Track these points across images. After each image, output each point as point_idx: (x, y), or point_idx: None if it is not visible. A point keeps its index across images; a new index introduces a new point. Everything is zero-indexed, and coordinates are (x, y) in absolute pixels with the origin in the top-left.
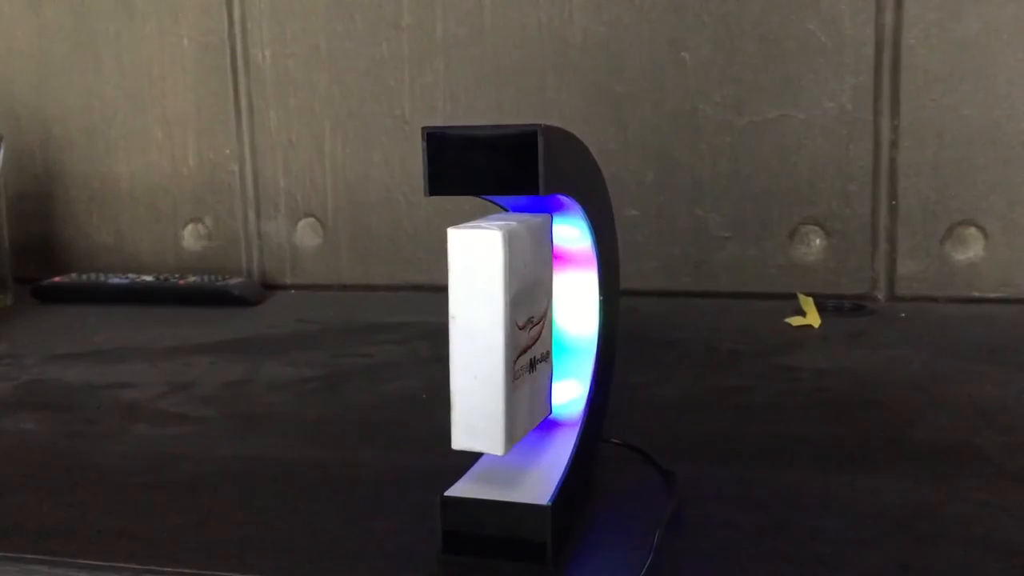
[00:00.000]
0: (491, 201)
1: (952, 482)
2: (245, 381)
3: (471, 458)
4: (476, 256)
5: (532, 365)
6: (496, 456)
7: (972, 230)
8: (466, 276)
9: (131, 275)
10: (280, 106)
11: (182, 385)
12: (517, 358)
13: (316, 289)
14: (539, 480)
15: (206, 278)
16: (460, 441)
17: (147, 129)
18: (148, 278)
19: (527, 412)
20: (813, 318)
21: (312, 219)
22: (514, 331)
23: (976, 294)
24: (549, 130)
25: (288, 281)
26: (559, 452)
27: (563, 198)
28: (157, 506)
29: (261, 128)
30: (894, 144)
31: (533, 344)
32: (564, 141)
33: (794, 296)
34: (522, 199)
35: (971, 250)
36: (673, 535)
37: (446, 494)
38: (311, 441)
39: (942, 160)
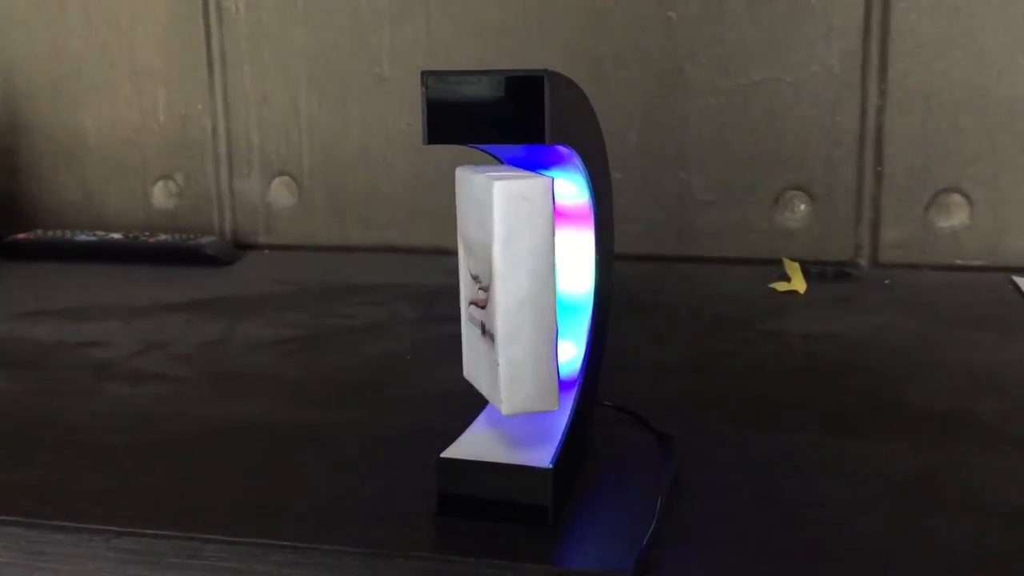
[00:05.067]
0: (487, 152)
1: (952, 447)
2: (222, 341)
3: (461, 420)
4: (524, 208)
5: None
6: (492, 418)
7: (957, 197)
8: (516, 230)
9: (99, 232)
10: (254, 60)
11: (157, 344)
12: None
13: (290, 249)
14: (538, 442)
15: (177, 237)
16: (514, 403)
17: (115, 82)
18: (117, 236)
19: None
20: (799, 283)
21: (287, 178)
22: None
23: (959, 262)
24: (555, 76)
25: (262, 241)
26: (555, 413)
27: (564, 150)
28: (136, 467)
29: (234, 83)
30: (881, 109)
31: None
32: (568, 89)
33: (778, 262)
34: (520, 151)
35: (955, 218)
36: (673, 499)
37: (443, 455)
38: (295, 402)
39: (929, 126)
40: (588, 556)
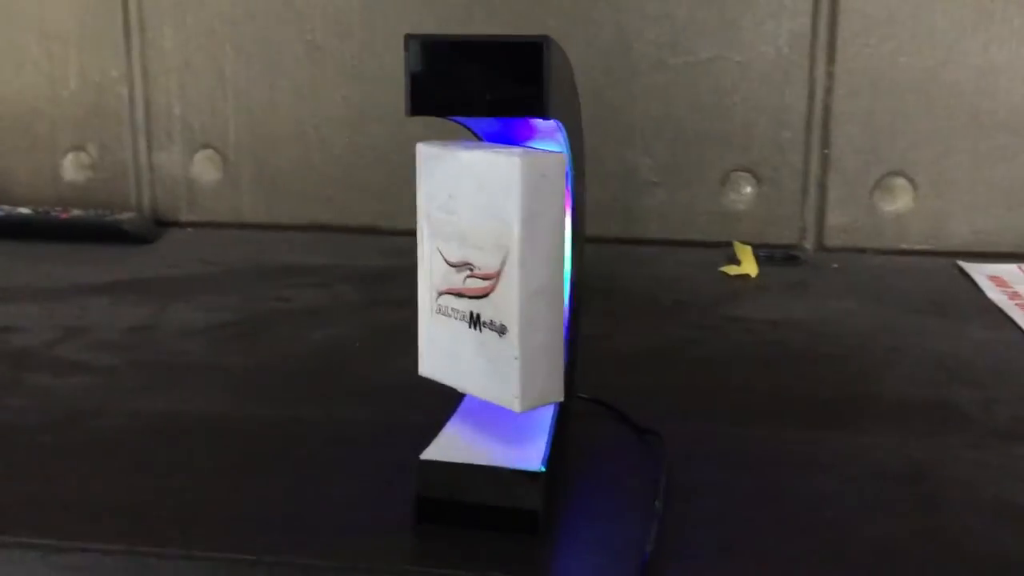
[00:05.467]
0: (462, 124)
1: (939, 440)
2: (151, 326)
3: (427, 415)
4: (545, 187)
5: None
6: (469, 414)
7: (901, 181)
8: (536, 210)
9: (5, 207)
10: (176, 24)
11: (79, 329)
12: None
13: (215, 227)
14: (522, 441)
15: (92, 212)
16: (530, 399)
17: (22, 45)
18: (25, 210)
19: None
20: (750, 267)
21: (211, 151)
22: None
23: (903, 246)
24: (552, 43)
25: (184, 218)
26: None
27: (546, 125)
28: (70, 470)
29: (154, 48)
30: (829, 91)
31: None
32: (561, 57)
33: (724, 244)
34: (495, 124)
35: (899, 201)
36: (667, 500)
37: (423, 457)
38: (240, 394)
39: (876, 109)
40: (584, 566)
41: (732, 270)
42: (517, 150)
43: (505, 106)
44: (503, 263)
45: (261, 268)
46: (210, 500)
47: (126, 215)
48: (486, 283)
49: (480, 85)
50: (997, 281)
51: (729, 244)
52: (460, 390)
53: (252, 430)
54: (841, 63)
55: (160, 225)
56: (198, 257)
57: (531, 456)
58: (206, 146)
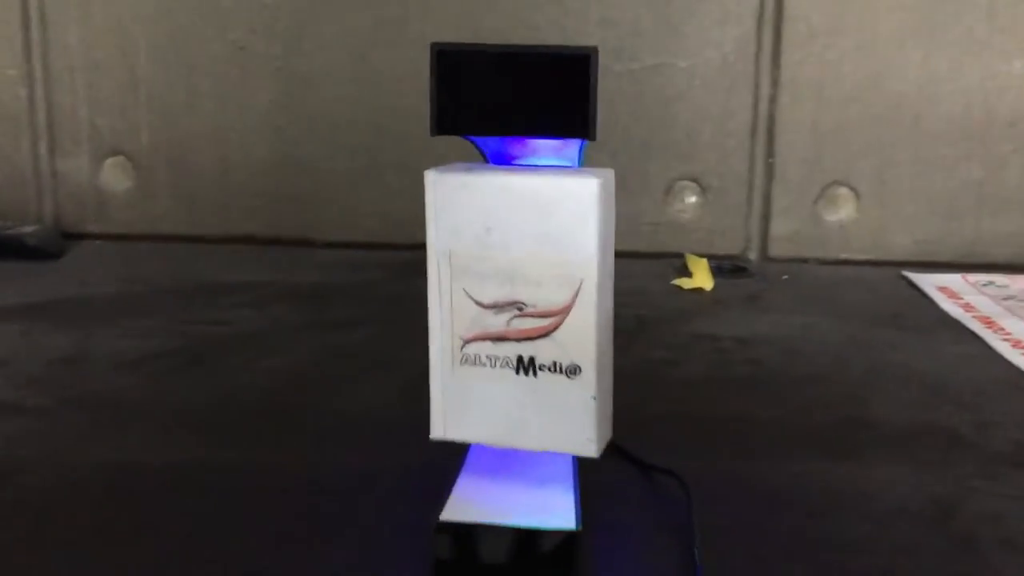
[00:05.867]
0: (474, 144)
1: (950, 471)
2: (77, 358)
3: (414, 455)
4: (609, 210)
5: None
6: (479, 464)
7: (844, 191)
8: (607, 236)
9: None
10: (82, 19)
11: None
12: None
13: (127, 240)
14: (547, 495)
15: None
16: (602, 440)
17: None
18: None
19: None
20: (705, 280)
21: (121, 157)
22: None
23: (846, 256)
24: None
25: (92, 229)
26: (545, 457)
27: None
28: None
29: (58, 45)
30: (773, 99)
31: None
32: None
33: (670, 255)
34: (500, 142)
35: (842, 211)
36: (698, 545)
37: (442, 518)
38: (195, 437)
39: (819, 118)
40: None
41: (686, 283)
42: (578, 171)
43: (545, 125)
44: (575, 296)
45: (186, 286)
46: (176, 573)
47: (29, 228)
48: (546, 321)
49: (515, 102)
50: (947, 292)
51: (674, 255)
52: (501, 446)
53: (216, 482)
54: (785, 70)
55: (65, 238)
56: (114, 274)
57: (561, 512)
58: (116, 152)
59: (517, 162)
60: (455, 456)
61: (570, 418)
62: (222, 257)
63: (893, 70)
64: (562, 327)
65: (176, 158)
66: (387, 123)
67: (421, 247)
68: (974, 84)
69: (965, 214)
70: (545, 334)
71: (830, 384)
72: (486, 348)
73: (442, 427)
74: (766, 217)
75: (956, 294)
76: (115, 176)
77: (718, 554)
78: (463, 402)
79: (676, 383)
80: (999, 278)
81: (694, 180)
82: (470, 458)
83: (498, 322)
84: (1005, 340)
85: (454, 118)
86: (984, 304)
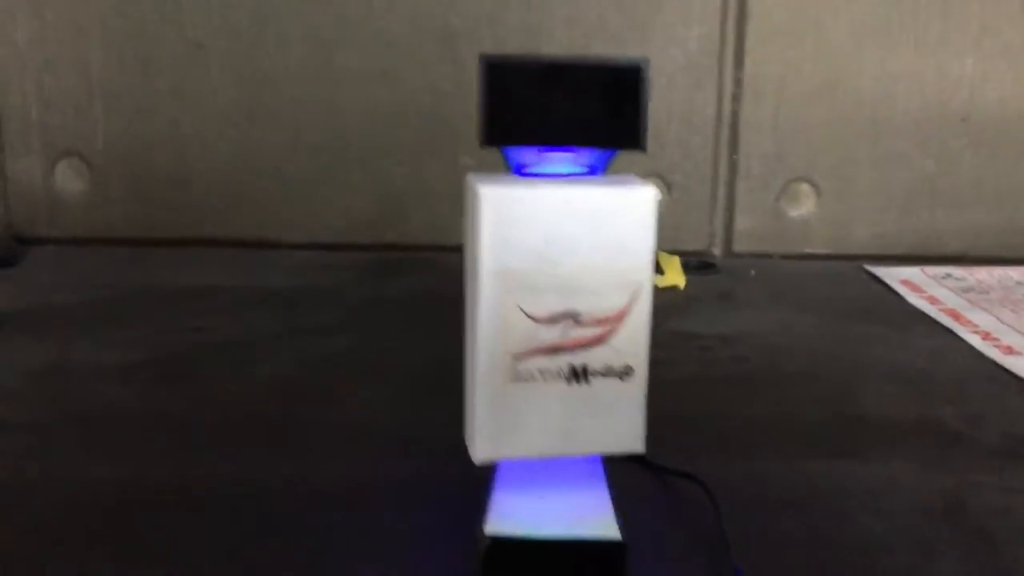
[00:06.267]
0: (504, 154)
1: (950, 464)
2: (58, 370)
3: (434, 466)
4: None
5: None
6: (513, 476)
7: (805, 187)
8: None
9: None
10: (33, 16)
11: None
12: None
13: (83, 244)
14: (586, 505)
15: None
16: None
17: None
18: None
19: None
20: (678, 278)
21: (75, 158)
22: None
23: (807, 250)
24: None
25: (45, 234)
26: (570, 463)
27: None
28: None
29: (6, 44)
30: (736, 97)
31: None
32: None
33: None
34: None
35: (804, 206)
36: (725, 551)
37: (489, 532)
38: (194, 451)
39: (781, 115)
40: None
41: (659, 281)
42: (623, 179)
43: (596, 136)
44: (631, 300)
45: (156, 292)
46: None
47: None
48: (601, 328)
49: (566, 113)
50: (910, 286)
51: None
52: (552, 456)
53: (228, 499)
54: (749, 68)
55: (18, 242)
56: (76, 281)
57: (604, 523)
58: (69, 153)
59: (530, 170)
60: (469, 465)
61: (621, 419)
62: (184, 261)
63: (852, 69)
64: (618, 332)
65: (132, 159)
66: (351, 122)
67: (387, 247)
68: (929, 81)
69: (920, 208)
70: (599, 341)
71: (818, 381)
72: (539, 362)
73: (490, 448)
74: (730, 213)
75: (919, 287)
76: (68, 178)
77: (743, 560)
78: (514, 421)
79: (670, 384)
80: (956, 270)
81: (659, 177)
82: (502, 470)
83: (552, 335)
84: (975, 333)
85: (504, 129)
86: (948, 297)
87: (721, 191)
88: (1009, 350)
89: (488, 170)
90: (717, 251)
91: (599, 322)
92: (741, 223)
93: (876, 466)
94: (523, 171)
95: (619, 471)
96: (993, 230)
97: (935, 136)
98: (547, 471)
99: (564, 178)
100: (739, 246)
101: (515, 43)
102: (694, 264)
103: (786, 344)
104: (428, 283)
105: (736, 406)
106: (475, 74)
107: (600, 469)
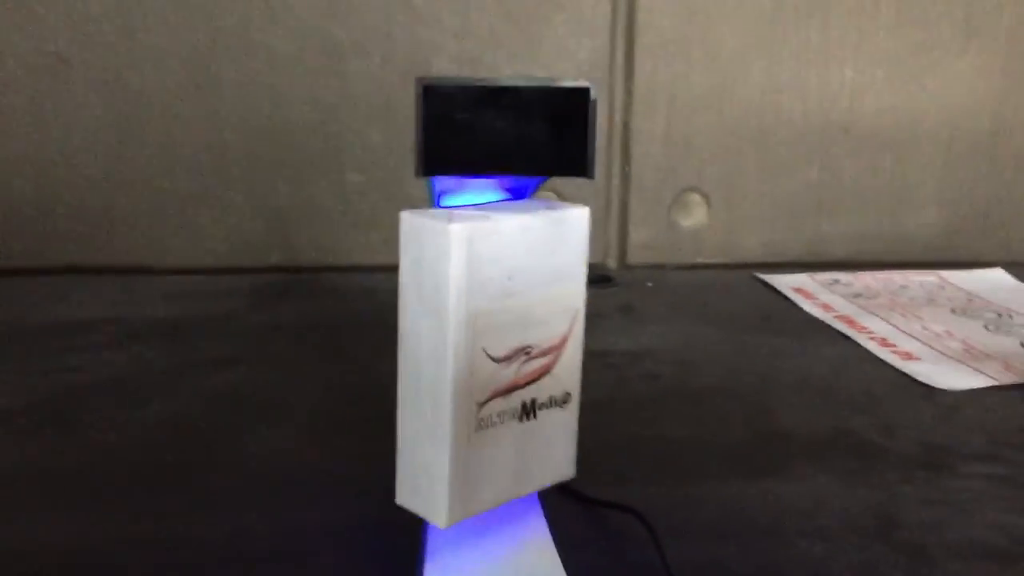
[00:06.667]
0: (430, 183)
1: (873, 478)
2: None
3: (337, 515)
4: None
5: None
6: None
7: (696, 197)
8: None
9: None
10: None
11: None
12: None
13: None
14: (526, 553)
15: None
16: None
17: None
18: None
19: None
20: None
21: None
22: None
23: (699, 260)
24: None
25: None
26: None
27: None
28: None
29: None
30: (628, 109)
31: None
32: None
33: None
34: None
35: (694, 216)
36: None
37: None
38: (83, 510)
39: (672, 126)
40: None
41: None
42: (557, 203)
43: (541, 163)
44: (571, 324)
45: (22, 328)
46: None
47: None
48: (547, 358)
49: (510, 140)
50: (803, 293)
51: None
52: (507, 502)
53: (131, 563)
54: (639, 80)
55: None
56: None
57: (551, 570)
58: None
59: (448, 199)
60: (389, 511)
61: (559, 447)
62: (48, 292)
63: (738, 79)
64: (560, 360)
65: None
66: (231, 138)
67: (272, 270)
68: (811, 91)
69: (806, 215)
70: (547, 371)
71: (731, 396)
72: (498, 405)
73: (459, 509)
74: (624, 225)
75: (811, 294)
76: None
77: None
78: (477, 473)
79: (584, 407)
80: (842, 275)
81: (552, 190)
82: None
83: (508, 373)
84: (872, 339)
85: (444, 158)
86: (839, 304)
87: (615, 203)
88: (908, 356)
89: (379, 188)
90: (612, 263)
91: (545, 352)
92: (635, 235)
93: (803, 484)
94: (437, 200)
95: (552, 505)
96: (875, 236)
97: (818, 145)
98: (482, 521)
99: (498, 206)
100: (633, 258)
101: (404, 56)
102: (592, 278)
103: (694, 359)
104: (321, 307)
105: (655, 427)
106: (361, 88)
107: (538, 508)
